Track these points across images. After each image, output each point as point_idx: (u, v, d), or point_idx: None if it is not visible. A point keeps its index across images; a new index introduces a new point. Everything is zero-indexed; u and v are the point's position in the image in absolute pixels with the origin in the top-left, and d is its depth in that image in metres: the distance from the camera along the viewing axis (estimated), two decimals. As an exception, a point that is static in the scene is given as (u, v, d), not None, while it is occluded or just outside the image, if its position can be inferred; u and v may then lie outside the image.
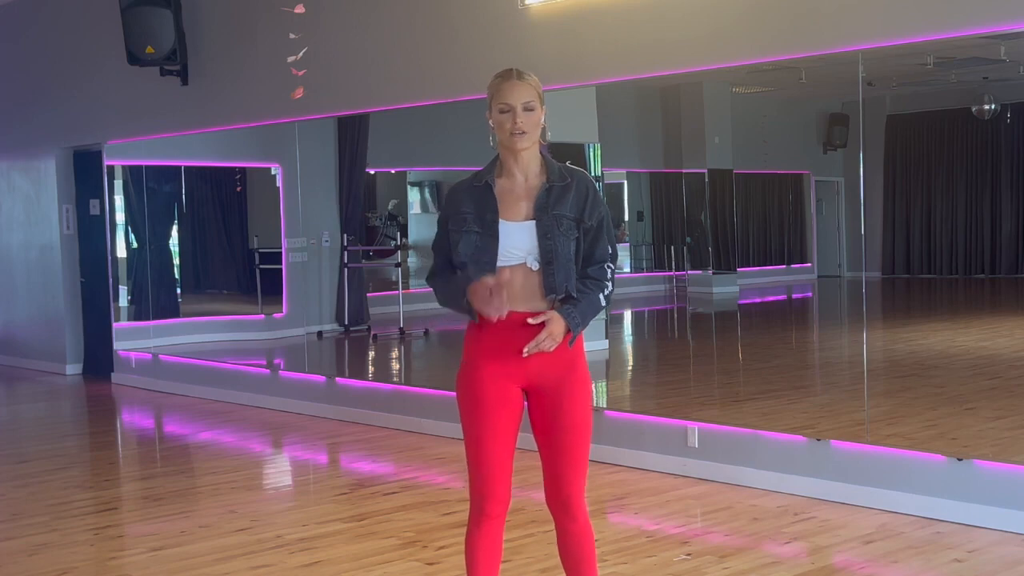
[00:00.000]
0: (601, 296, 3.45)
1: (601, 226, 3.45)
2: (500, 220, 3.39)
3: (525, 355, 3.36)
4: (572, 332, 3.37)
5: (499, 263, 3.38)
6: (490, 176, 3.47)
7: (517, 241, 3.39)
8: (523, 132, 3.39)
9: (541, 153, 3.50)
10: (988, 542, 4.94)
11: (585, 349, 3.54)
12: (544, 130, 3.48)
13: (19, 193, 11.81)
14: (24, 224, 11.76)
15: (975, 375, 7.28)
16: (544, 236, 3.37)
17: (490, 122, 3.48)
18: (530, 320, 3.36)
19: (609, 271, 3.47)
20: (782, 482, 5.87)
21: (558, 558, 4.73)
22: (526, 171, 3.46)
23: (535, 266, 3.38)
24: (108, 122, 10.45)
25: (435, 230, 3.57)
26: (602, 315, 3.57)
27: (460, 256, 3.42)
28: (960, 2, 5.20)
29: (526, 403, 3.51)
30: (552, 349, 3.37)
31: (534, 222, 3.39)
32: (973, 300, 8.57)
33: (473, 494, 3.49)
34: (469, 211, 3.42)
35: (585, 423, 3.47)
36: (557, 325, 3.35)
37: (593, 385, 3.58)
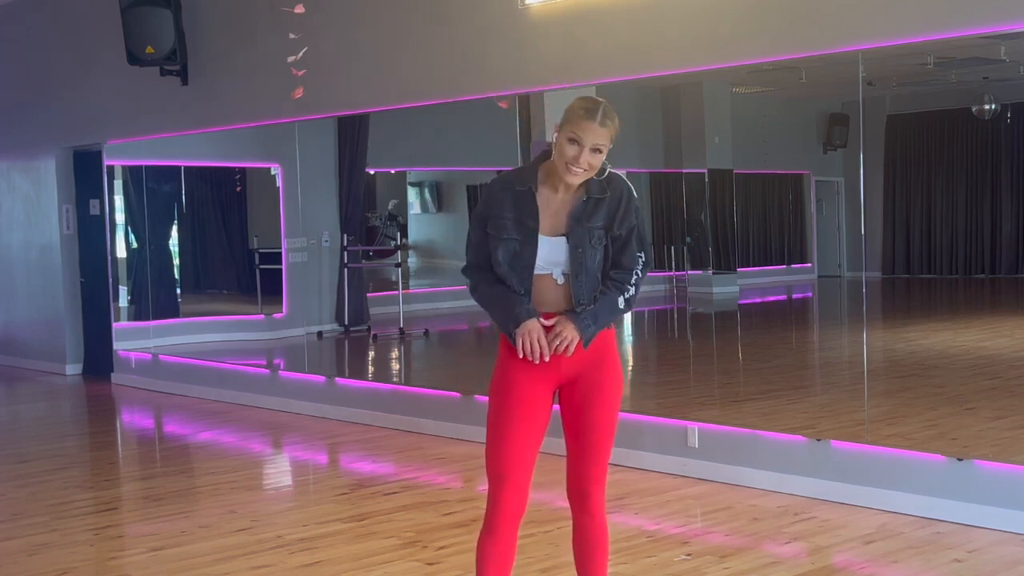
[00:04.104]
0: (620, 299, 3.46)
1: (631, 235, 3.47)
2: (539, 234, 3.42)
3: (547, 359, 3.41)
4: (583, 335, 3.39)
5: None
6: (533, 181, 3.46)
7: (546, 254, 3.43)
8: (582, 170, 3.37)
9: None
10: (988, 542, 4.94)
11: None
12: (604, 167, 3.44)
13: (19, 193, 11.81)
14: (24, 224, 11.76)
15: (975, 375, 7.27)
16: (575, 248, 3.41)
17: (555, 135, 3.42)
18: (542, 321, 3.41)
19: (634, 276, 3.48)
20: (782, 482, 5.87)
21: (558, 558, 4.73)
22: (568, 182, 3.44)
23: (561, 280, 3.43)
24: (108, 122, 10.45)
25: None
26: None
27: (499, 262, 3.44)
28: (960, 2, 5.20)
29: (556, 404, 3.54)
30: (571, 352, 3.40)
31: (564, 238, 3.42)
32: (973, 300, 8.57)
33: (489, 494, 3.49)
34: (509, 216, 3.44)
35: (610, 422, 3.50)
36: (566, 328, 3.39)
37: (624, 387, 3.59)
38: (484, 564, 3.48)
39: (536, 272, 3.43)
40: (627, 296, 3.48)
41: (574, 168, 3.36)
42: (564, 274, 3.43)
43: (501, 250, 3.43)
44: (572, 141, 3.35)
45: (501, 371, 3.52)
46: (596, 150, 3.36)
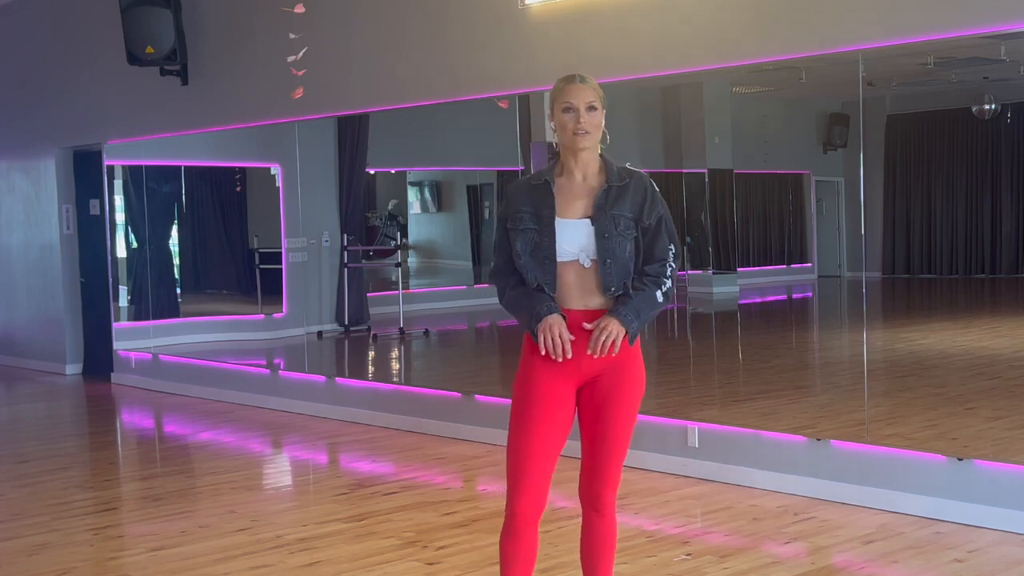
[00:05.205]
0: (658, 293, 3.49)
1: (660, 225, 3.51)
2: (556, 217, 3.45)
3: (568, 356, 3.40)
4: (628, 329, 3.40)
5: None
6: (550, 175, 3.53)
7: (571, 238, 3.45)
8: (586, 132, 3.44)
9: (601, 156, 3.56)
10: (988, 542, 4.94)
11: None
12: (604, 134, 3.53)
13: (19, 193, 11.81)
14: (24, 224, 11.76)
15: (975, 375, 7.27)
16: (602, 235, 3.43)
17: (551, 124, 3.51)
18: (586, 325, 3.41)
19: (669, 268, 3.51)
20: (782, 482, 5.87)
21: (558, 558, 4.73)
22: (585, 171, 3.51)
23: (587, 264, 3.44)
24: (108, 122, 10.45)
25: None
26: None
27: (518, 253, 3.47)
28: (960, 2, 5.20)
29: (578, 405, 3.55)
30: (616, 350, 3.40)
31: (588, 220, 3.45)
32: (973, 300, 8.56)
33: (507, 493, 3.50)
34: (527, 209, 3.48)
35: (627, 425, 3.52)
36: (611, 323, 3.39)
37: (644, 390, 3.60)
38: (508, 563, 3.52)
39: (561, 260, 3.44)
40: (664, 289, 3.50)
41: (580, 133, 3.43)
42: (591, 259, 3.44)
43: (520, 241, 3.46)
44: (567, 110, 3.44)
45: (524, 371, 3.52)
46: (591, 108, 3.45)
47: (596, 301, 3.46)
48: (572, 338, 3.40)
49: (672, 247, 3.53)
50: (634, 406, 3.53)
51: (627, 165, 3.57)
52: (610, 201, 3.46)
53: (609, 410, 3.48)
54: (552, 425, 3.46)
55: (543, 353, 3.40)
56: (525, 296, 3.47)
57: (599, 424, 3.49)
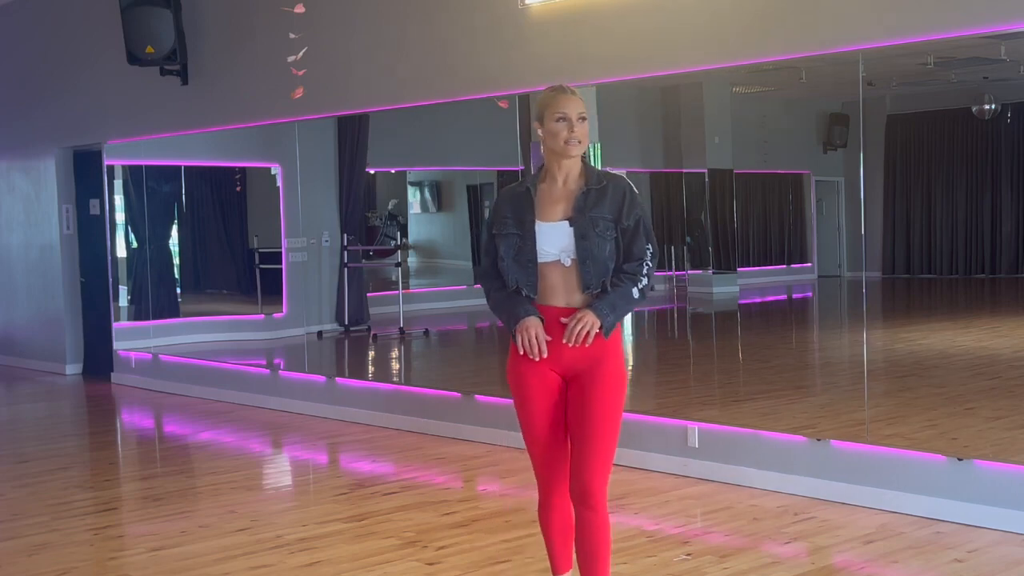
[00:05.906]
0: (634, 289, 3.65)
1: (639, 226, 3.67)
2: (536, 221, 3.63)
3: (544, 355, 3.60)
4: (603, 322, 3.57)
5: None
6: (532, 182, 3.72)
7: (551, 240, 3.62)
8: (578, 141, 3.63)
9: (583, 161, 3.74)
10: (988, 542, 4.94)
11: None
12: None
13: (19, 193, 11.81)
14: (24, 224, 11.76)
15: (975, 375, 7.27)
16: (581, 237, 3.60)
17: (539, 131, 3.69)
18: (562, 320, 3.59)
19: (645, 267, 3.67)
20: (782, 482, 5.87)
21: (558, 558, 4.73)
22: (566, 176, 3.70)
23: (567, 262, 3.61)
24: (108, 122, 10.45)
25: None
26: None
27: (502, 257, 3.67)
28: (960, 2, 5.20)
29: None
30: (591, 340, 3.57)
31: (566, 222, 3.62)
32: (973, 300, 8.55)
33: (536, 479, 3.76)
34: (509, 215, 3.69)
35: (609, 416, 3.64)
36: (586, 314, 3.57)
37: (627, 385, 3.76)
38: (548, 533, 3.77)
39: (542, 260, 3.62)
40: (640, 287, 3.66)
41: (571, 142, 3.62)
42: (571, 259, 3.62)
43: (503, 245, 3.66)
44: (560, 119, 3.62)
45: (512, 366, 3.71)
46: (581, 118, 3.64)
47: (579, 299, 3.63)
48: (549, 339, 3.59)
49: (649, 247, 3.69)
50: (615, 400, 3.66)
51: (606, 169, 3.78)
52: (589, 204, 3.62)
53: (590, 404, 3.62)
54: (547, 409, 3.67)
55: (520, 353, 3.61)
56: (507, 299, 3.67)
57: (582, 418, 3.63)
